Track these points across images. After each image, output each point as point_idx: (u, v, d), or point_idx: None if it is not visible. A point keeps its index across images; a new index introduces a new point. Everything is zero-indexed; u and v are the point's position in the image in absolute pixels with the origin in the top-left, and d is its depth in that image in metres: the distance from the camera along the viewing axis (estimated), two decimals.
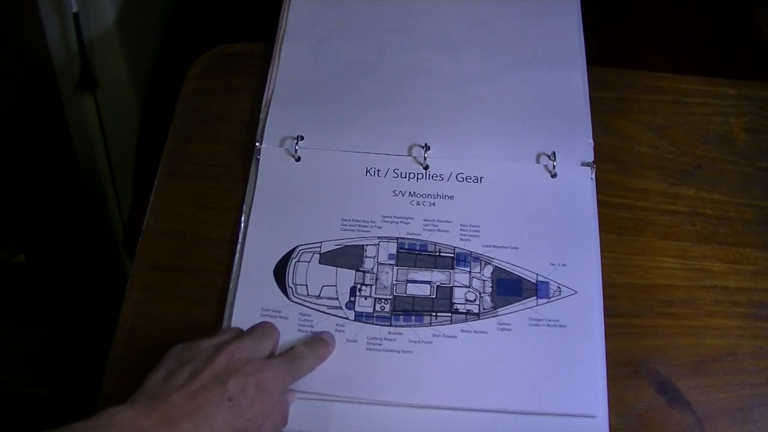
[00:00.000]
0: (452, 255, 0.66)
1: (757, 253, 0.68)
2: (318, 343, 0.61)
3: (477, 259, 0.65)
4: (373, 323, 0.63)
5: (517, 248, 0.66)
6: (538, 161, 0.70)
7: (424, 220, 0.67)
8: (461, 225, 0.67)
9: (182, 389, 0.52)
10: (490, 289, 0.64)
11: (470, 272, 0.65)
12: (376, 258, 0.65)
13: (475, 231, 0.66)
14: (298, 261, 0.65)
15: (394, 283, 0.65)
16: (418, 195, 0.68)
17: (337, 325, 0.63)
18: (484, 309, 0.63)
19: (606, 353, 0.62)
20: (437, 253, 0.66)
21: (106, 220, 1.11)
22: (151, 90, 1.00)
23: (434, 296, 0.64)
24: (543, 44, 0.77)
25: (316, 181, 0.69)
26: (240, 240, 0.66)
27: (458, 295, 0.64)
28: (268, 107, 0.72)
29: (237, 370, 0.54)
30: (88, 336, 1.07)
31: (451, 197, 0.68)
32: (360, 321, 0.63)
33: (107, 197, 1.08)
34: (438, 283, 0.65)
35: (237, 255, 0.66)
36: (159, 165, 0.71)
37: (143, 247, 0.67)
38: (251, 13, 0.98)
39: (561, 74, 0.75)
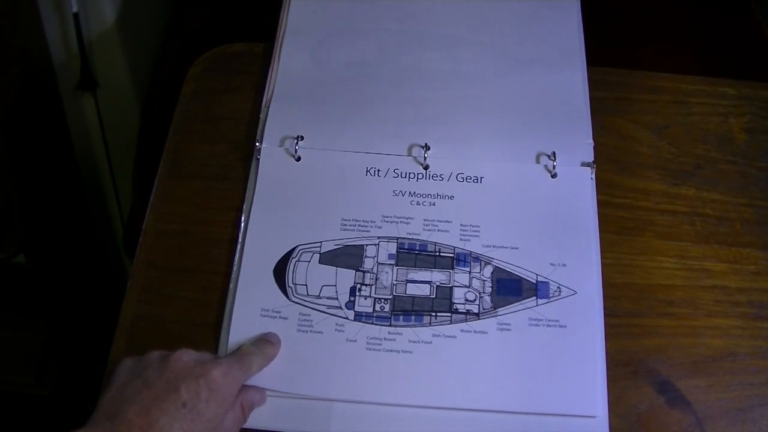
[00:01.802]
0: (452, 255, 0.66)
1: (757, 253, 0.68)
2: (264, 343, 0.61)
3: (477, 259, 0.65)
4: (372, 323, 0.63)
5: (517, 248, 0.66)
6: (538, 161, 0.70)
7: (424, 220, 0.67)
8: (461, 225, 0.67)
9: (136, 403, 0.52)
10: (490, 289, 0.64)
11: (470, 272, 0.65)
12: (375, 258, 0.65)
13: (475, 231, 0.66)
14: (298, 261, 0.65)
15: (394, 283, 0.65)
16: (418, 195, 0.68)
17: (336, 325, 0.63)
18: (483, 309, 0.63)
19: (606, 353, 0.62)
20: (437, 253, 0.66)
21: (106, 220, 1.11)
22: (151, 90, 1.00)
23: (434, 296, 0.64)
24: (543, 44, 0.77)
25: (316, 181, 0.69)
26: (240, 240, 0.66)
27: (458, 295, 0.64)
28: (268, 107, 0.72)
29: (187, 374, 0.54)
30: (88, 336, 1.07)
31: (451, 197, 0.68)
32: (360, 321, 0.63)
33: (107, 197, 1.08)
34: (438, 283, 0.65)
35: (237, 255, 0.66)
36: (159, 165, 0.71)
37: (143, 247, 0.67)
38: (251, 13, 0.98)
39: (561, 74, 0.75)
